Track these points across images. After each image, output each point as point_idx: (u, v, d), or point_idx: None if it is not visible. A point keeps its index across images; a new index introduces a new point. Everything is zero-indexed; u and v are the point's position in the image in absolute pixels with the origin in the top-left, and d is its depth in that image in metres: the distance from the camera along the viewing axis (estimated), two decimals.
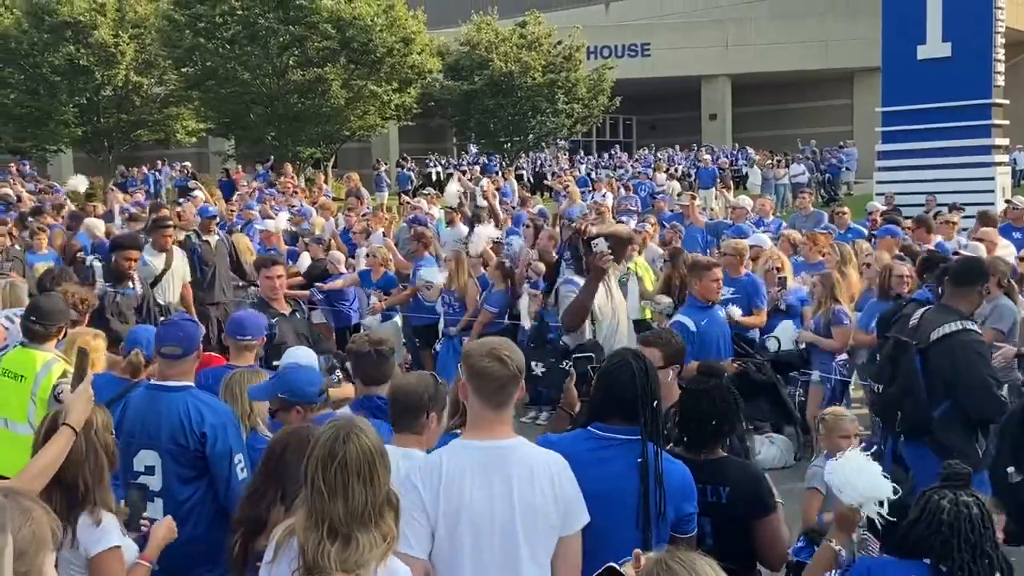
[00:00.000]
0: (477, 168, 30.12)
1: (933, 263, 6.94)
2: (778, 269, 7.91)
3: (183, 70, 29.49)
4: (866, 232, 11.69)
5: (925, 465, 4.64)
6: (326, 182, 23.81)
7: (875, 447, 3.58)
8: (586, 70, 34.03)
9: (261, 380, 4.48)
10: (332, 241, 11.51)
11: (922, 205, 15.39)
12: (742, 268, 8.30)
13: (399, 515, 2.68)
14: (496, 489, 2.89)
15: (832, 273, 7.71)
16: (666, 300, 8.35)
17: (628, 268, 8.67)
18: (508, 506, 2.88)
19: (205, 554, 3.96)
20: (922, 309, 5.20)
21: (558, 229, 11.58)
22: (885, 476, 3.23)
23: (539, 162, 34.08)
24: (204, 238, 9.77)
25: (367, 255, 10.33)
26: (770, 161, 29.16)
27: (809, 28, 38.53)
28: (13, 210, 14.14)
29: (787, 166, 27.90)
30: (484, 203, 12.09)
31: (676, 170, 29.93)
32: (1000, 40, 17.36)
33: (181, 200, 17.27)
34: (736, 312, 7.87)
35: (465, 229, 11.89)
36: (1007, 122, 18.18)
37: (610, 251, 5.36)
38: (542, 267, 9.17)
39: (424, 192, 18.82)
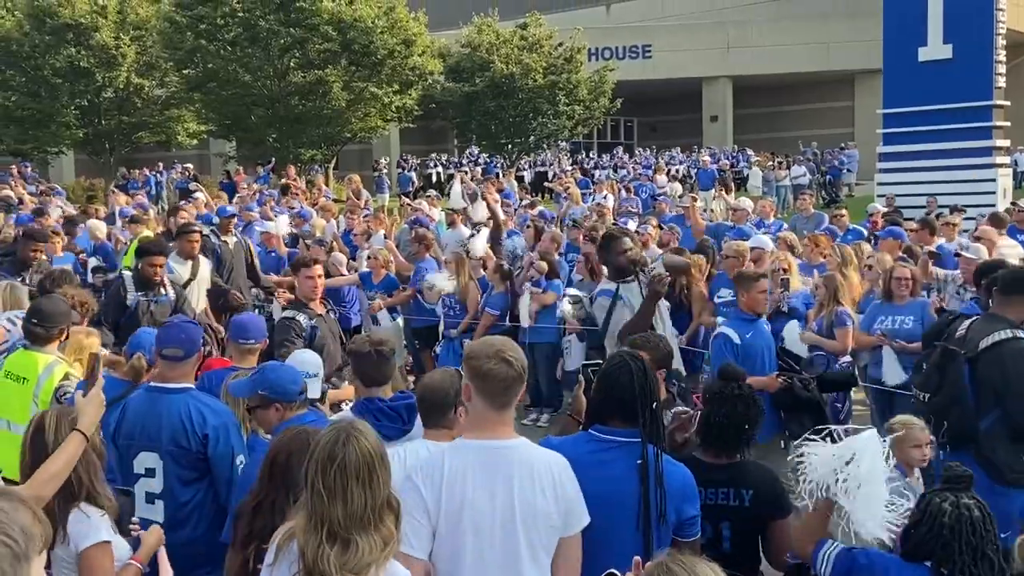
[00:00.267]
0: (479, 169, 30.15)
1: (989, 269, 6.79)
2: (784, 270, 7.89)
3: (184, 72, 29.50)
4: (866, 233, 11.69)
5: None
6: (327, 184, 23.81)
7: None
8: (587, 72, 34.03)
9: None
10: (334, 243, 11.51)
11: (923, 207, 15.39)
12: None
13: (400, 518, 2.68)
14: (497, 488, 2.90)
15: (835, 275, 7.70)
16: (580, 297, 8.32)
17: None
18: (509, 505, 2.88)
19: (206, 555, 3.97)
20: (969, 320, 5.13)
21: (559, 230, 11.59)
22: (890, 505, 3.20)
23: (540, 163, 34.12)
24: (223, 238, 9.56)
25: (368, 257, 10.32)
26: (771, 163, 29.17)
27: (810, 30, 38.54)
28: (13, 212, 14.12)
29: (788, 168, 27.91)
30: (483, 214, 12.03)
31: (677, 171, 29.94)
32: (1001, 42, 17.36)
33: (182, 202, 17.29)
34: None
35: (466, 231, 11.89)
36: (1008, 124, 18.17)
37: (667, 274, 5.53)
38: (544, 266, 9.19)
39: (425, 194, 18.82)
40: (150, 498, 4.15)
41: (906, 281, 7.22)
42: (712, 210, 19.97)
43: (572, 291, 8.31)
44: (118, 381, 4.72)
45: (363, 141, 34.91)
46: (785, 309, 7.70)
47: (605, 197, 17.70)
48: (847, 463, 3.19)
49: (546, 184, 28.41)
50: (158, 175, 28.42)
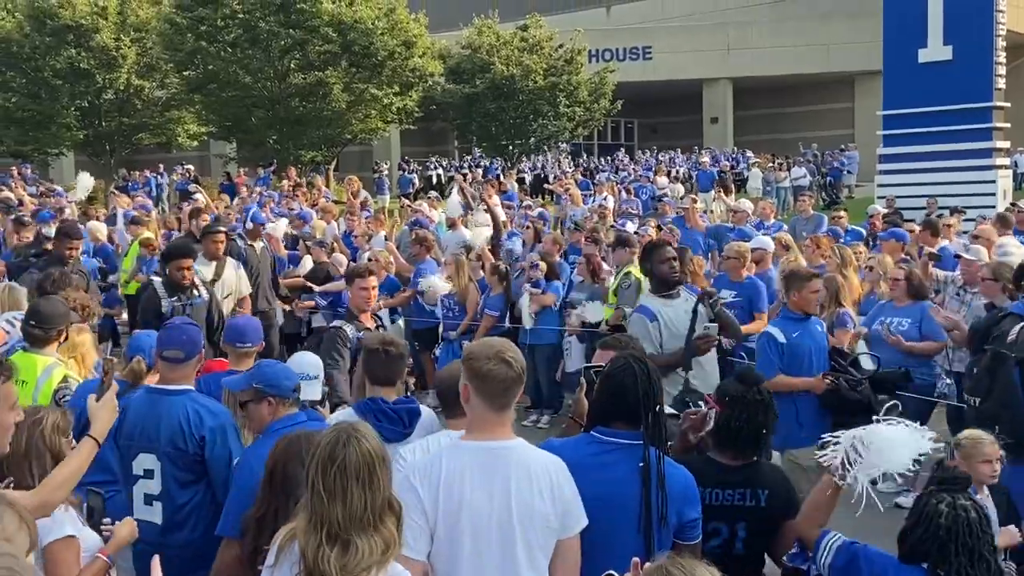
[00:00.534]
0: (480, 171, 30.15)
1: None
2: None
3: (184, 73, 29.48)
4: (864, 234, 11.70)
5: (1022, 484, 4.53)
6: (327, 186, 23.80)
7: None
8: (587, 73, 34.03)
9: None
10: (334, 244, 11.51)
11: (923, 208, 15.41)
12: (744, 271, 8.30)
13: (401, 521, 2.68)
14: (495, 489, 2.89)
15: (836, 276, 7.70)
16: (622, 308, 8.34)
17: (629, 272, 8.70)
18: (506, 507, 2.88)
19: (204, 557, 3.95)
20: (1020, 323, 5.07)
21: (557, 231, 11.58)
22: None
23: (540, 166, 34.11)
24: (250, 243, 9.46)
25: (369, 259, 10.32)
26: (771, 164, 29.18)
27: (810, 31, 38.55)
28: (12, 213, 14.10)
29: (788, 169, 27.91)
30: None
31: (678, 173, 29.94)
32: (1001, 43, 17.38)
33: (183, 204, 17.30)
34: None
35: (467, 233, 11.90)
36: (1008, 125, 18.19)
37: (716, 338, 5.44)
38: (544, 267, 9.19)
39: (426, 196, 18.84)
40: (148, 500, 4.15)
41: (899, 282, 7.22)
42: (711, 211, 19.99)
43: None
44: (117, 383, 4.72)
45: (363, 143, 34.91)
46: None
47: (605, 198, 17.70)
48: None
49: (546, 186, 28.39)
50: (158, 177, 28.44)
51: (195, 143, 34.82)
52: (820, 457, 3.49)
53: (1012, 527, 4.17)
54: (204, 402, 4.21)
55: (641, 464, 3.15)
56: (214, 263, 8.19)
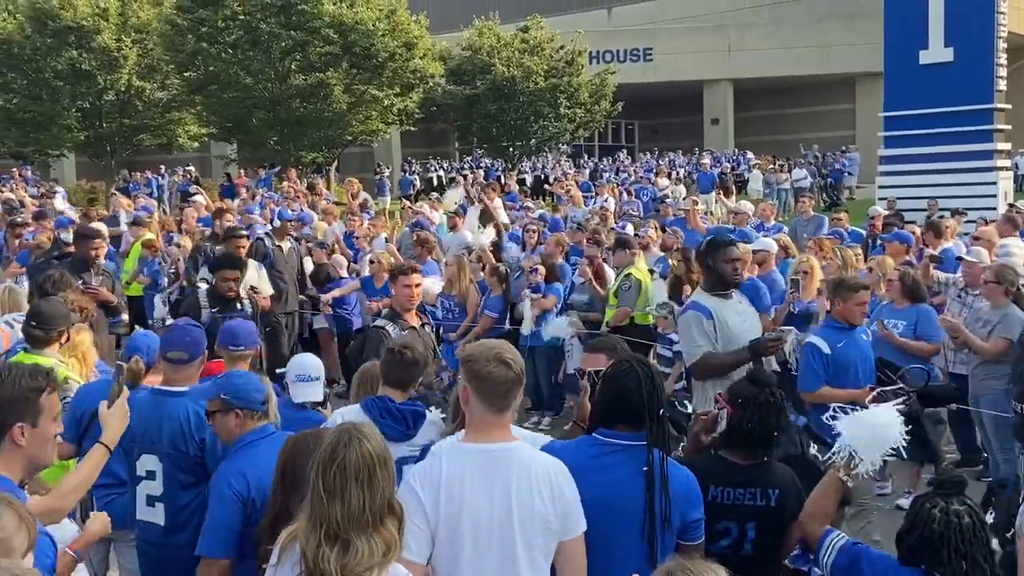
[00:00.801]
0: (481, 172, 30.15)
1: None
2: (805, 273, 7.84)
3: (185, 75, 29.49)
4: (864, 236, 11.69)
5: None
6: (328, 187, 23.81)
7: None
8: (588, 75, 34.03)
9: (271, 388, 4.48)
10: (335, 245, 11.52)
11: (924, 210, 15.40)
12: (746, 273, 8.29)
13: (403, 524, 2.68)
14: (496, 492, 2.89)
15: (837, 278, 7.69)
16: (671, 304, 8.36)
17: (629, 273, 8.71)
18: (507, 509, 2.88)
19: None
20: None
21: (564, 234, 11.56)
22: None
23: (541, 166, 34.12)
24: (277, 243, 9.32)
25: (371, 261, 10.32)
26: (772, 166, 29.17)
27: (811, 33, 38.55)
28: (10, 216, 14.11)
29: (789, 171, 27.91)
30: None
31: (678, 174, 29.93)
32: (1002, 45, 17.37)
33: (183, 205, 17.31)
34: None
35: (468, 234, 11.91)
36: (1009, 127, 18.18)
37: (785, 340, 5.37)
38: (543, 271, 9.19)
39: (427, 197, 18.84)
40: (151, 501, 4.16)
41: (893, 283, 7.21)
42: (712, 213, 19.99)
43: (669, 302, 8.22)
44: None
45: (364, 144, 34.91)
46: (795, 311, 7.68)
47: (606, 200, 17.71)
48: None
49: (547, 187, 28.40)
50: (159, 178, 28.46)
51: (196, 144, 34.84)
52: (827, 458, 3.50)
53: None
54: (205, 404, 4.20)
55: (645, 468, 3.14)
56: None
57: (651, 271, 8.96)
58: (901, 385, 5.54)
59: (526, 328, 9.06)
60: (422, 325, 6.20)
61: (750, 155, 33.01)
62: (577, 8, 44.30)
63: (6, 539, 2.17)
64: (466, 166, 34.28)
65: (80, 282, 7.23)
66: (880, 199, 17.52)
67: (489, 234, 11.30)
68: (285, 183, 20.95)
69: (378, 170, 31.57)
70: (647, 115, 44.93)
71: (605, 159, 37.92)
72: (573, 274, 9.78)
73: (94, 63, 29.59)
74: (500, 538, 2.88)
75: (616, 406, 3.26)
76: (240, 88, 28.08)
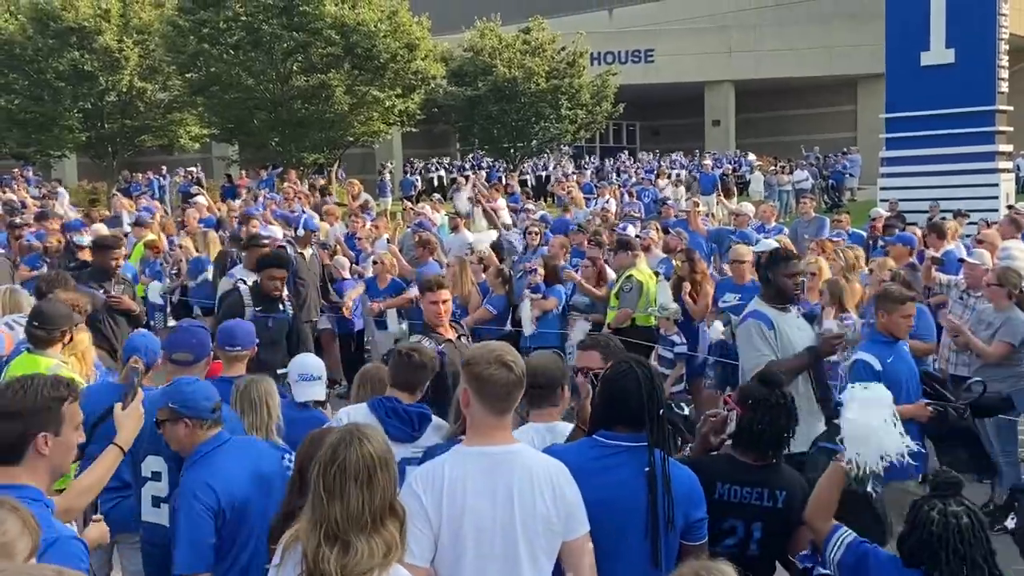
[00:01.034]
0: (483, 173, 30.15)
1: None
2: (812, 275, 7.84)
3: (187, 76, 29.48)
4: (865, 238, 11.69)
5: None
6: (319, 189, 23.78)
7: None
8: (589, 76, 34.03)
9: (275, 388, 4.49)
10: (337, 247, 11.52)
11: (925, 212, 15.38)
12: (748, 275, 8.30)
13: (405, 527, 2.68)
14: (498, 494, 2.90)
15: (839, 280, 7.70)
16: (674, 306, 8.36)
17: (631, 275, 8.70)
18: (509, 511, 2.89)
19: None
20: None
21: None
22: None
23: (542, 167, 34.12)
24: (300, 251, 9.21)
25: (374, 262, 10.32)
26: (773, 167, 29.16)
27: (812, 34, 38.54)
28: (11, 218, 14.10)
29: (790, 172, 27.90)
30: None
31: (680, 176, 29.92)
32: (1004, 47, 17.35)
33: (184, 206, 17.31)
34: (716, 333, 7.85)
35: (469, 235, 11.92)
36: (1011, 128, 18.16)
37: (844, 340, 5.25)
38: (542, 272, 9.19)
39: (429, 198, 18.85)
40: (156, 502, 4.16)
41: (884, 283, 7.20)
42: (713, 215, 19.99)
43: (673, 305, 8.22)
44: (116, 386, 4.72)
45: (365, 145, 34.92)
46: (801, 312, 7.66)
47: (608, 201, 17.72)
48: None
49: (548, 187, 28.42)
50: (160, 179, 28.47)
51: (197, 145, 34.85)
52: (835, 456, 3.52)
53: None
54: None
55: (647, 469, 3.14)
56: (255, 273, 7.68)
57: (656, 273, 8.97)
58: (954, 400, 5.37)
59: (527, 329, 9.05)
60: (458, 337, 6.03)
61: (751, 156, 33.01)
62: (578, 9, 44.24)
63: (8, 544, 2.17)
64: (468, 167, 34.27)
65: (102, 291, 7.26)
66: (881, 201, 17.51)
67: (491, 235, 11.30)
68: (286, 184, 20.97)
69: (381, 170, 31.61)
70: (648, 116, 44.93)
71: (607, 160, 37.91)
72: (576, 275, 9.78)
73: (96, 64, 29.61)
74: (503, 540, 2.88)
75: (616, 408, 3.26)
76: (242, 89, 28.08)
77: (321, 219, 13.61)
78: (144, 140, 33.11)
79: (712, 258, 11.52)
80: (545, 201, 26.40)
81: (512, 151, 34.20)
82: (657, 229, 11.63)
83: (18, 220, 12.85)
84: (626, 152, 39.68)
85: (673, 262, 9.47)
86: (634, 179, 28.18)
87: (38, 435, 2.76)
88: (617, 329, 8.45)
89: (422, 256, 10.27)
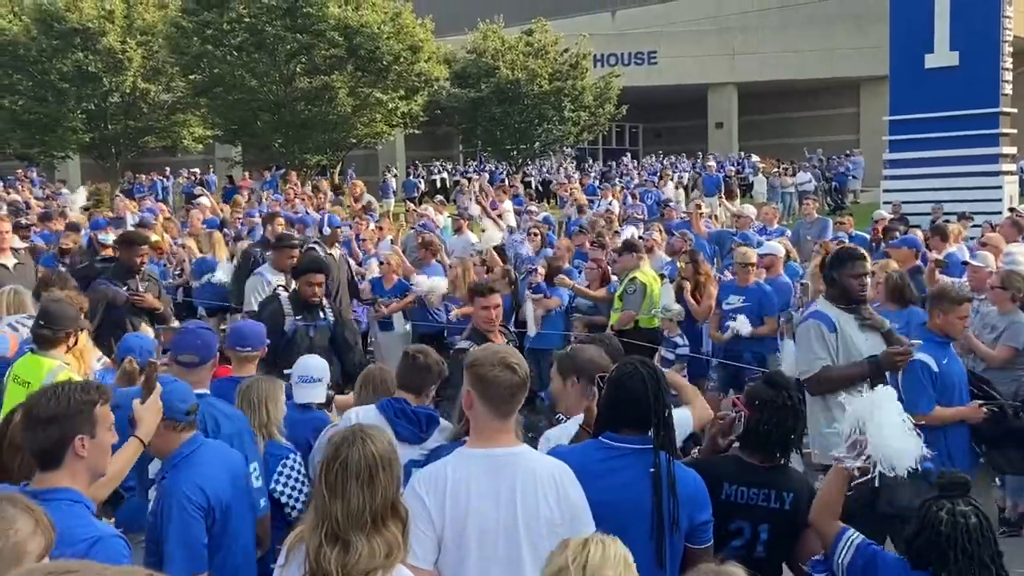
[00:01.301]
0: (485, 176, 30.16)
1: None
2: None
3: (190, 77, 29.55)
4: (868, 240, 11.67)
5: None
6: (332, 189, 23.81)
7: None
8: (592, 78, 34.05)
9: (278, 389, 4.49)
10: None
11: (929, 214, 15.36)
12: (751, 277, 8.30)
13: (408, 528, 2.68)
14: (501, 496, 2.90)
15: None
16: (676, 308, 8.36)
17: (634, 277, 8.70)
18: (512, 513, 2.89)
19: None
20: None
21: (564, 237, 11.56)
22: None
23: (545, 169, 34.12)
24: (328, 251, 9.02)
25: (380, 263, 10.32)
26: (776, 169, 29.15)
27: (816, 37, 38.51)
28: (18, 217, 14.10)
29: (793, 174, 27.89)
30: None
31: (683, 178, 29.92)
32: (1008, 49, 17.34)
33: (188, 206, 17.34)
34: (744, 326, 7.86)
35: (473, 236, 11.92)
36: (1015, 131, 18.14)
37: (913, 356, 4.97)
38: (543, 272, 9.19)
39: (432, 199, 18.86)
40: None
41: (879, 284, 7.18)
42: (716, 217, 19.96)
43: (676, 306, 8.25)
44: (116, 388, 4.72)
45: (368, 147, 34.95)
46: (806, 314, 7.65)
47: (611, 203, 17.72)
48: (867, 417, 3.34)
49: (552, 187, 28.42)
50: (164, 180, 28.50)
51: (200, 146, 34.91)
52: (833, 454, 3.51)
53: None
54: (221, 407, 4.19)
55: (652, 470, 3.14)
56: (282, 275, 7.60)
57: (661, 275, 8.97)
58: (1006, 400, 5.30)
59: (531, 330, 9.05)
60: (507, 343, 5.84)
61: (755, 158, 32.99)
62: (582, 11, 44.24)
63: (20, 543, 2.16)
64: (470, 169, 34.27)
65: (126, 288, 7.09)
66: (885, 203, 17.49)
67: (495, 237, 11.30)
68: (287, 185, 20.99)
69: (385, 173, 31.64)
70: (651, 118, 44.91)
71: (611, 162, 37.91)
72: (579, 276, 9.78)
73: (99, 65, 29.67)
74: (506, 542, 2.88)
75: (622, 409, 3.26)
76: (245, 90, 28.13)
77: None
78: (147, 141, 33.18)
79: (714, 260, 11.50)
80: (548, 203, 26.39)
81: (515, 153, 34.21)
82: (660, 231, 11.64)
83: (23, 221, 12.85)
84: (628, 154, 39.66)
85: (678, 264, 9.47)
86: (636, 181, 28.18)
87: (75, 438, 2.83)
88: (620, 331, 8.45)
89: (425, 258, 10.26)
